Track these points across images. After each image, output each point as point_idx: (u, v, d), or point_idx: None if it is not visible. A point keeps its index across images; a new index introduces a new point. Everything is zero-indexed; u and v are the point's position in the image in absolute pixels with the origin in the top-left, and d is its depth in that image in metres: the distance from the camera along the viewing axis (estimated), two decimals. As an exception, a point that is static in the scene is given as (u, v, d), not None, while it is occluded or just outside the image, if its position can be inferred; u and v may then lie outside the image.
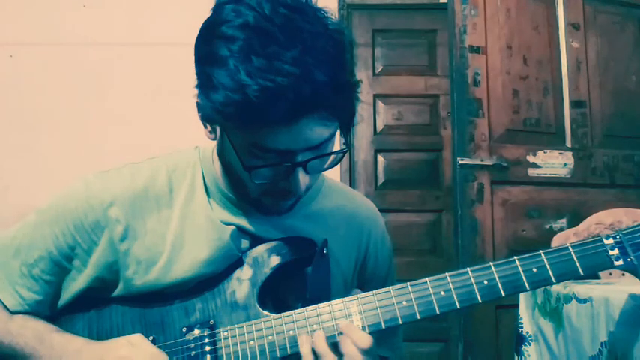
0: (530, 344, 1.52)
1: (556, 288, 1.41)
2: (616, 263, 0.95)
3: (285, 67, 0.81)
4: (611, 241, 0.96)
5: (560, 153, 2.60)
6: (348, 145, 0.94)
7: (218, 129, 0.96)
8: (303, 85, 0.81)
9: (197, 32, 0.95)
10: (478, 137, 2.49)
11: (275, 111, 0.82)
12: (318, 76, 0.82)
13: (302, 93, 0.81)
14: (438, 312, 0.94)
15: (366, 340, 0.92)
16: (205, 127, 0.98)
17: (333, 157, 0.93)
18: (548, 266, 0.94)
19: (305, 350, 0.92)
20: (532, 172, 2.55)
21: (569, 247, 0.95)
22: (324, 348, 0.92)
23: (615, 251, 0.95)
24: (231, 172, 1.00)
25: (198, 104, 0.94)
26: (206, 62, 0.87)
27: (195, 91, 0.92)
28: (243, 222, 1.04)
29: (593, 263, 0.95)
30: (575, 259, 0.95)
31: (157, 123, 3.01)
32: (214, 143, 1.08)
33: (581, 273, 0.95)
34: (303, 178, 0.91)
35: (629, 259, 0.95)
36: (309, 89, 0.82)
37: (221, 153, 1.01)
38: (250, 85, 0.81)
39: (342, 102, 0.87)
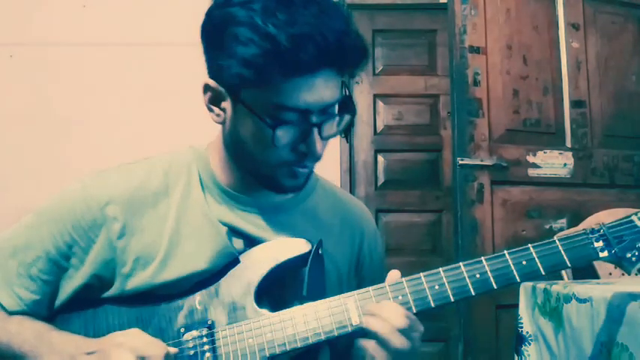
0: (530, 344, 1.51)
1: (556, 288, 1.41)
2: (601, 255, 1.01)
3: (308, 20, 0.89)
4: (596, 234, 1.01)
5: (560, 153, 2.59)
6: (354, 110, 0.99)
7: (229, 106, 0.97)
8: (327, 32, 0.89)
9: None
10: (478, 137, 2.49)
11: (305, 55, 0.88)
12: (339, 27, 0.91)
13: (327, 39, 0.89)
14: (432, 305, 0.97)
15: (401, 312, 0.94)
16: (211, 110, 1.00)
17: (344, 120, 0.99)
18: (536, 259, 0.99)
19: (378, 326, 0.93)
20: (532, 172, 2.55)
21: (557, 241, 1.01)
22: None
23: (600, 243, 1.01)
24: (240, 154, 1.02)
25: (206, 86, 0.98)
26: (228, 26, 0.91)
27: (203, 80, 0.96)
28: (240, 216, 1.05)
29: (579, 255, 1.00)
30: (562, 251, 1.00)
31: (157, 123, 3.00)
32: (209, 141, 1.10)
33: (569, 265, 1.00)
34: (318, 142, 0.95)
35: (613, 251, 1.00)
36: (333, 36, 0.89)
37: (231, 133, 1.01)
38: (279, 34, 0.87)
39: (357, 55, 0.95)
